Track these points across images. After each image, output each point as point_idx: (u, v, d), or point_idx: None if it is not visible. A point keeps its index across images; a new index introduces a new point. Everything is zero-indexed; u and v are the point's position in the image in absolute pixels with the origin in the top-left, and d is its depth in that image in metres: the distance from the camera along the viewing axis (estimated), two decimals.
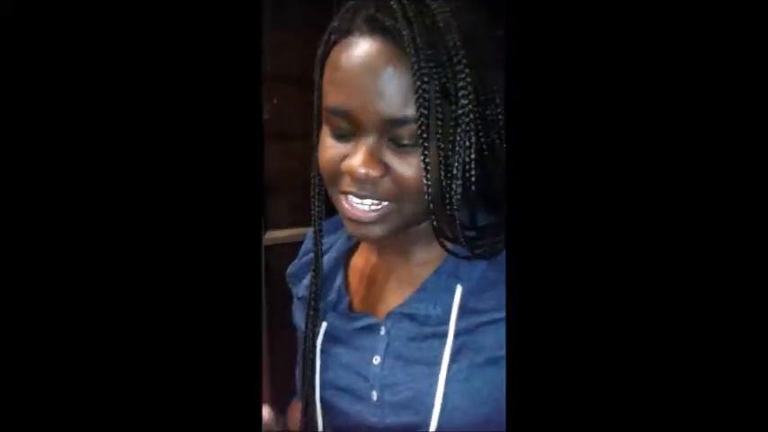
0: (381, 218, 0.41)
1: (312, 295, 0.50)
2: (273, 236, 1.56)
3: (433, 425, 0.41)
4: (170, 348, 0.34)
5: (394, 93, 0.38)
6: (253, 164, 0.36)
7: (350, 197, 0.42)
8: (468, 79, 0.38)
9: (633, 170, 0.32)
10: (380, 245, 0.49)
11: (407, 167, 0.40)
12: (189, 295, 0.34)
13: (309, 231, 0.54)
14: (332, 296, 0.50)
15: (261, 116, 0.38)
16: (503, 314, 0.39)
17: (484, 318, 0.42)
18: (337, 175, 0.42)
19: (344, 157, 0.41)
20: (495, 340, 0.42)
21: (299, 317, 0.54)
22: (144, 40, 0.34)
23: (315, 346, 0.49)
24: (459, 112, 0.39)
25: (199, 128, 0.35)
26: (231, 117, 0.35)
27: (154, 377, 0.34)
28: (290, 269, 0.58)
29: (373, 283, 0.50)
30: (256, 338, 0.36)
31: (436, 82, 0.38)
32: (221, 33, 0.35)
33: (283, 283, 0.63)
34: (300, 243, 0.62)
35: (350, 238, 0.54)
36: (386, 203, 0.41)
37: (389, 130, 0.39)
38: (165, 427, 0.33)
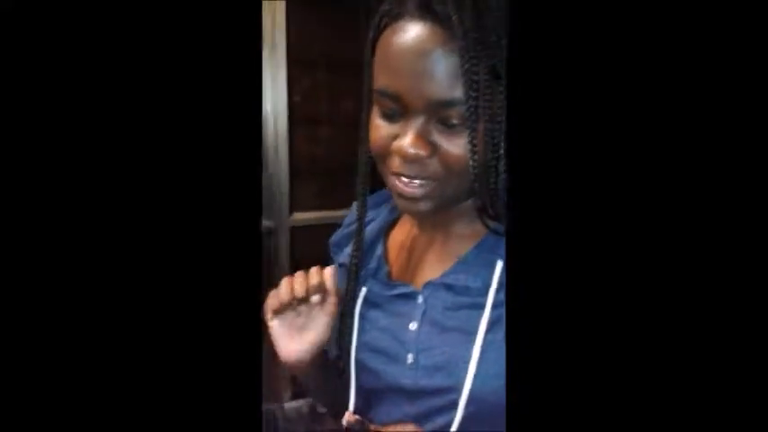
0: (428, 195, 0.44)
1: (354, 261, 0.53)
2: (298, 218, 1.60)
3: (466, 389, 0.44)
4: (171, 338, 0.34)
5: (443, 75, 0.41)
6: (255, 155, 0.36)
7: (401, 176, 0.44)
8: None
9: (633, 168, 0.32)
10: (423, 220, 0.52)
11: (455, 147, 0.42)
12: (190, 282, 0.35)
13: (354, 204, 0.58)
14: (372, 264, 0.54)
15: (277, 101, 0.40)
16: None
17: None
18: (387, 154, 0.45)
19: (394, 137, 0.44)
20: None
21: (339, 282, 0.57)
22: (153, 26, 0.34)
23: (354, 310, 0.52)
24: (505, 94, 0.41)
25: (209, 116, 0.35)
26: (235, 106, 0.35)
27: (154, 367, 0.34)
28: (333, 238, 0.61)
29: (412, 255, 0.53)
30: (256, 327, 0.37)
31: (485, 64, 0.40)
32: (224, 20, 0.35)
33: (308, 262, 0.64)
34: (325, 225, 0.64)
35: (392, 212, 0.57)
36: (433, 181, 0.44)
37: (438, 112, 0.42)
38: (166, 415, 0.34)
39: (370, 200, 0.53)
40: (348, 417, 0.45)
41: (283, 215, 1.54)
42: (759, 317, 0.31)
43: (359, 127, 0.51)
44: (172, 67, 0.35)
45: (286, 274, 0.52)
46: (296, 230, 1.63)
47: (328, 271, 0.49)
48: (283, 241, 1.54)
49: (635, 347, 0.32)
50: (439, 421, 0.45)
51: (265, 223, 1.47)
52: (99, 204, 0.34)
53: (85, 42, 0.34)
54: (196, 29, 0.35)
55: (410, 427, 0.42)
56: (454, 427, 0.44)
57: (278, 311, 0.49)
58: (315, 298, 0.49)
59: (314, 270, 0.50)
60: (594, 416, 0.33)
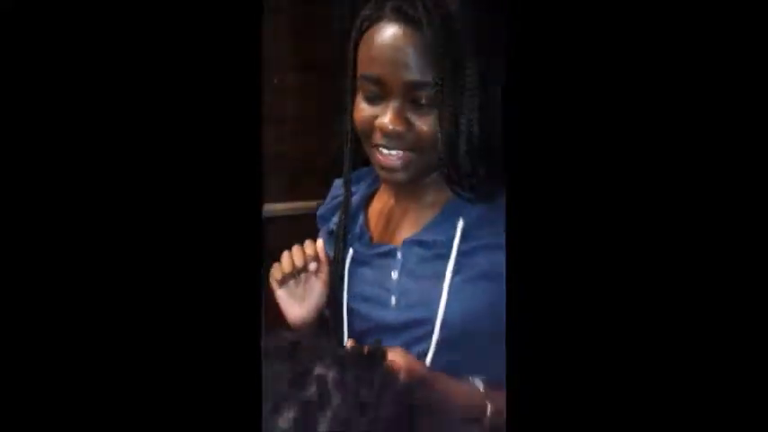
0: (405, 166, 0.55)
1: (342, 227, 0.63)
2: (271, 209, 1.67)
3: (439, 319, 0.55)
4: (171, 327, 0.35)
5: (414, 64, 0.51)
6: (253, 144, 0.37)
7: (381, 149, 0.54)
8: (472, 57, 0.52)
9: (632, 166, 0.34)
10: (398, 190, 0.62)
11: (425, 124, 0.53)
12: (188, 271, 0.35)
13: (337, 181, 0.68)
14: (356, 230, 0.64)
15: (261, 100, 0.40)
16: (493, 241, 0.53)
17: (478, 243, 0.56)
18: (370, 130, 0.55)
19: (376, 116, 0.54)
20: (485, 260, 0.55)
21: (327, 248, 0.67)
22: (146, 26, 0.35)
23: (344, 269, 0.62)
24: (466, 81, 0.52)
25: (202, 113, 0.36)
26: (231, 102, 0.36)
27: (152, 352, 0.35)
28: (320, 211, 0.70)
29: (390, 221, 0.63)
30: (256, 309, 0.38)
31: (449, 56, 0.51)
32: (223, 19, 0.36)
33: (280, 248, 0.72)
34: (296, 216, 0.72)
35: (369, 187, 0.67)
36: (409, 153, 0.54)
37: (411, 93, 0.52)
38: (165, 399, 0.35)
39: (352, 177, 0.64)
40: (349, 343, 0.55)
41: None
42: (758, 317, 0.32)
43: (322, 125, 0.61)
44: (175, 57, 0.36)
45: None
46: (267, 220, 1.70)
47: (320, 242, 0.60)
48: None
49: (633, 347, 0.33)
50: (418, 349, 0.56)
51: None
52: (101, 197, 0.35)
53: (82, 38, 0.34)
54: (197, 19, 0.36)
55: (398, 349, 0.52)
56: (431, 350, 0.55)
57: (282, 282, 0.60)
58: (312, 266, 0.59)
59: (308, 243, 0.60)
60: (594, 415, 0.34)
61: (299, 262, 0.59)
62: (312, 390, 0.39)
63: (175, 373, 0.35)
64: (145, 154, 0.35)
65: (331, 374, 0.40)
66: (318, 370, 0.40)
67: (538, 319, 0.35)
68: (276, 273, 0.60)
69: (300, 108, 1.66)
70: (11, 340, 0.33)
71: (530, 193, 0.36)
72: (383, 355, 0.43)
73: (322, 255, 0.60)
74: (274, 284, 0.61)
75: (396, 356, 0.47)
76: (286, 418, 0.37)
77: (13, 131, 0.34)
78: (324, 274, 0.60)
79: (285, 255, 0.60)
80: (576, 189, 0.35)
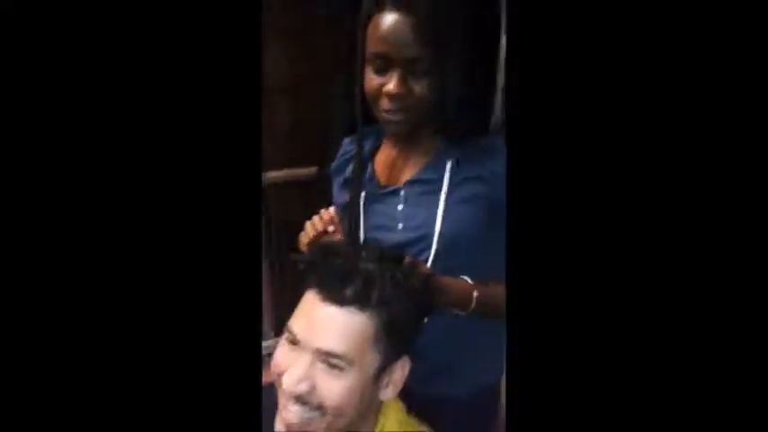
0: (406, 120, 0.72)
1: (356, 175, 0.80)
2: (270, 176, 1.82)
3: (436, 234, 0.73)
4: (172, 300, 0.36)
5: (412, 43, 0.68)
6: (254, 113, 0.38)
7: (388, 109, 0.71)
8: (455, 37, 0.69)
9: (630, 165, 0.34)
10: (398, 143, 0.79)
11: (421, 88, 0.70)
12: (193, 239, 0.36)
13: (346, 139, 0.85)
14: (366, 177, 0.81)
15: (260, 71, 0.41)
16: (473, 174, 0.72)
17: (463, 176, 0.74)
18: (378, 95, 0.72)
19: (383, 84, 0.71)
20: (468, 188, 0.74)
21: (340, 198, 0.84)
22: (146, 5, 0.35)
23: (360, 205, 0.80)
24: (451, 55, 0.69)
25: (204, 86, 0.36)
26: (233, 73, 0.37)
27: (155, 320, 0.36)
28: (333, 166, 0.88)
29: (393, 168, 0.81)
30: (256, 274, 0.39)
31: (438, 37, 0.68)
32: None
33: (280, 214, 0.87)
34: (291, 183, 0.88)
35: (374, 142, 0.84)
36: (409, 111, 0.71)
37: (409, 66, 0.69)
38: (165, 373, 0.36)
39: (358, 135, 0.81)
40: None
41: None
42: (757, 316, 0.31)
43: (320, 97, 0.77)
44: (174, 30, 0.36)
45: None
46: (268, 188, 1.85)
47: (332, 210, 0.80)
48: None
49: (630, 347, 0.33)
50: (421, 259, 0.74)
51: None
52: (107, 182, 0.35)
53: (84, 23, 0.34)
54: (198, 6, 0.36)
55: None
56: (431, 258, 0.74)
57: (309, 244, 0.77)
58: (330, 228, 0.77)
59: (323, 211, 0.79)
60: (592, 414, 0.34)
61: (320, 227, 0.78)
62: (357, 279, 0.57)
63: (178, 341, 0.36)
64: (147, 123, 0.35)
65: (368, 266, 0.58)
66: (362, 266, 0.58)
67: (537, 318, 0.35)
68: (303, 238, 0.79)
69: (296, 77, 1.76)
70: (9, 338, 0.33)
71: (531, 193, 0.36)
72: (404, 256, 0.62)
73: (336, 218, 0.79)
74: (304, 248, 0.79)
75: (411, 259, 0.66)
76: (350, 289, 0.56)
77: (12, 130, 0.33)
78: (338, 234, 0.79)
79: (309, 223, 0.80)
80: (575, 188, 0.35)
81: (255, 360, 0.40)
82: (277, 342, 0.62)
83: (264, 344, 1.73)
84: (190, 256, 0.37)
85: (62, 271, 0.35)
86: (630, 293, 0.34)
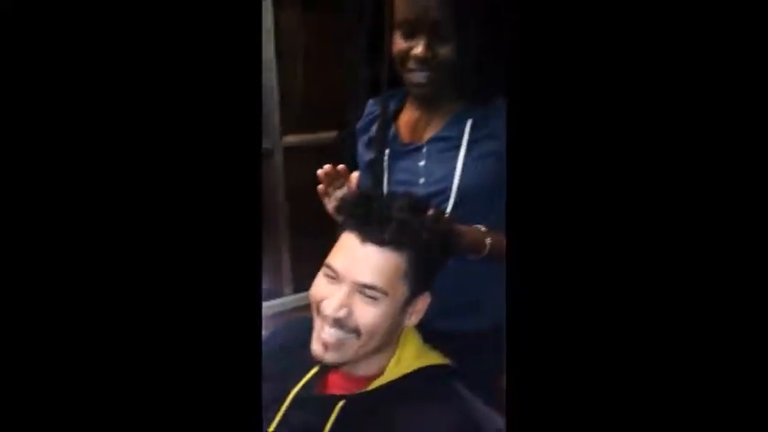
0: (431, 81, 0.79)
1: (380, 132, 0.88)
2: (288, 140, 1.90)
3: (455, 186, 0.82)
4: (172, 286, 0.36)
5: (438, 11, 0.75)
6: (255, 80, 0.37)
7: (415, 71, 0.79)
8: (476, 4, 0.76)
9: (629, 164, 0.34)
10: (421, 104, 0.87)
11: (445, 50, 0.77)
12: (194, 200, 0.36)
13: (371, 101, 0.92)
14: (390, 135, 0.89)
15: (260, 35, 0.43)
16: (489, 132, 0.80)
17: (479, 134, 0.82)
18: (406, 59, 0.79)
19: (410, 48, 0.78)
20: (485, 146, 0.81)
21: (366, 155, 0.92)
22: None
23: (383, 161, 0.88)
24: (472, 23, 0.76)
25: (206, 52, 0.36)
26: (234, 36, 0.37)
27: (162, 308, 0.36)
28: (359, 125, 0.96)
29: (416, 128, 0.89)
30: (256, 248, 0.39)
31: (459, 4, 0.75)
32: None
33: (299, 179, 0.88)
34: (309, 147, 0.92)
35: (396, 104, 0.92)
36: (433, 73, 0.79)
37: (434, 31, 0.76)
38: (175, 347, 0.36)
39: (383, 97, 0.89)
40: None
41: (276, 137, 1.84)
42: (757, 315, 0.31)
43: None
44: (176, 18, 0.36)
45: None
46: (288, 150, 1.93)
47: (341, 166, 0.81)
48: (278, 159, 1.86)
49: (628, 345, 0.33)
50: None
51: (264, 145, 1.77)
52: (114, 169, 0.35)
53: (83, 11, 0.34)
54: None
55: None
56: (449, 209, 0.82)
57: (324, 191, 0.81)
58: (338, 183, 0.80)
59: (326, 166, 0.80)
60: (591, 413, 0.34)
61: (330, 172, 0.78)
62: (394, 223, 0.65)
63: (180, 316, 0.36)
64: (153, 95, 0.35)
65: (402, 214, 0.67)
66: (396, 214, 0.66)
67: (537, 317, 0.36)
68: (321, 189, 0.80)
69: (308, 43, 1.82)
70: (8, 336, 0.33)
71: (531, 191, 0.37)
72: (429, 206, 0.70)
73: (345, 172, 0.79)
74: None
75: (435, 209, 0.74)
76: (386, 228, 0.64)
77: (12, 129, 0.33)
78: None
79: (320, 172, 0.78)
80: (575, 188, 0.35)
81: (255, 341, 0.40)
82: (297, 299, 0.71)
83: (282, 300, 1.84)
84: (190, 231, 0.37)
85: (61, 256, 0.35)
86: (628, 292, 0.35)
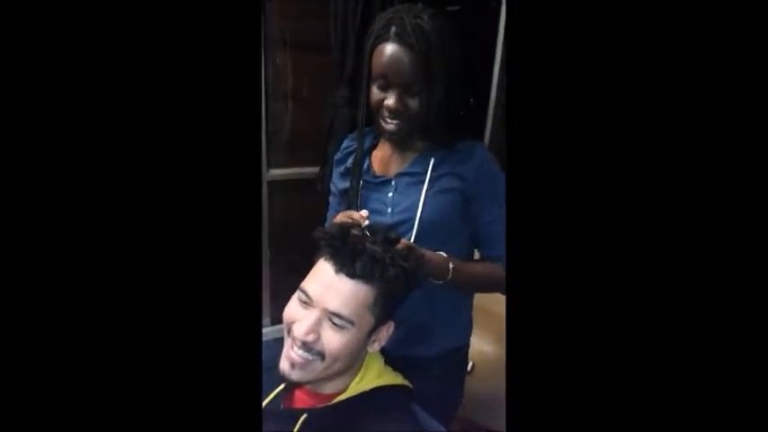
0: (401, 129, 0.88)
1: (356, 166, 0.96)
2: (273, 174, 1.97)
3: (417, 217, 0.89)
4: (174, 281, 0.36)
5: (408, 70, 0.84)
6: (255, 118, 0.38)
7: (386, 119, 0.87)
8: (442, 66, 0.85)
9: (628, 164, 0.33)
10: (392, 144, 0.96)
11: (415, 103, 0.86)
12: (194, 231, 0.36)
13: (348, 136, 1.02)
14: (364, 168, 0.97)
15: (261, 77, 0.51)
16: (450, 170, 0.88)
17: (442, 172, 0.90)
18: (380, 108, 0.88)
19: (383, 99, 0.87)
20: (446, 182, 0.90)
21: (341, 184, 0.99)
22: (149, 10, 0.35)
23: (358, 192, 0.96)
24: (438, 80, 0.85)
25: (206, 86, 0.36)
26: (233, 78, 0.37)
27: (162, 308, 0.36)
28: (336, 156, 1.04)
29: (387, 163, 0.97)
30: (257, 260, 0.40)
31: (430, 66, 0.84)
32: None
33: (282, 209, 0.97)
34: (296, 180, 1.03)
35: (371, 141, 1.00)
36: (403, 121, 0.87)
37: (405, 87, 0.85)
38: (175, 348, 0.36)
39: (360, 134, 0.97)
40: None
41: (263, 171, 1.90)
42: (756, 315, 0.31)
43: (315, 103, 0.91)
44: (179, 41, 0.36)
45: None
46: (271, 184, 1.99)
47: (364, 212, 0.87)
48: (264, 192, 1.92)
49: (626, 345, 0.33)
50: (405, 237, 0.90)
51: None
52: (112, 182, 0.35)
53: (83, 10, 0.34)
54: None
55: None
56: (413, 237, 0.89)
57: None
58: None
59: (349, 212, 0.88)
60: (591, 413, 0.34)
61: (355, 217, 0.81)
62: (366, 257, 0.71)
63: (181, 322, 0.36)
64: (154, 126, 0.35)
65: (375, 248, 0.72)
66: (369, 247, 0.72)
67: (537, 316, 0.35)
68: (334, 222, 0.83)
69: (297, 85, 1.90)
70: (8, 336, 0.33)
71: (530, 193, 0.37)
72: (399, 239, 0.77)
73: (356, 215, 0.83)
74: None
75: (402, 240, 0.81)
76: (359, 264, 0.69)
77: (12, 129, 0.33)
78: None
79: (342, 214, 0.84)
80: (574, 188, 0.34)
81: (255, 352, 0.42)
82: (275, 330, 0.75)
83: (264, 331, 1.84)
84: (193, 251, 0.37)
85: (62, 259, 0.35)
86: (628, 291, 0.34)
